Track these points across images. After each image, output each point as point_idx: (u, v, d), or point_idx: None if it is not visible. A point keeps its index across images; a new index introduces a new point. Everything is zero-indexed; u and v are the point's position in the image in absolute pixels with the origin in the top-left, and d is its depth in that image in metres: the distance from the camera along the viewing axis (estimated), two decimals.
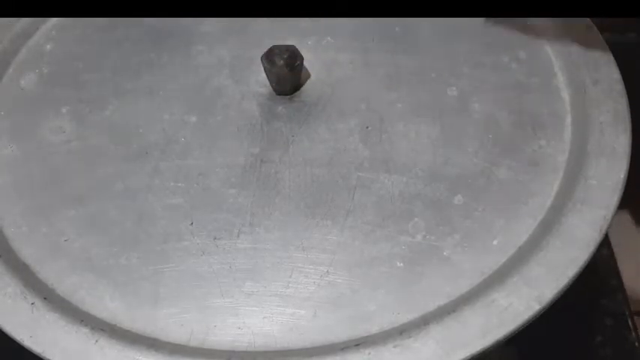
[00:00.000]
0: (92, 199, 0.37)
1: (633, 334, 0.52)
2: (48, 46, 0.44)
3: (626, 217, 0.61)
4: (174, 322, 0.33)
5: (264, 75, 0.40)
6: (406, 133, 0.39)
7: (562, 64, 0.41)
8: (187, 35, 0.44)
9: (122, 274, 0.35)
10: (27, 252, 0.36)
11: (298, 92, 0.41)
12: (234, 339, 0.33)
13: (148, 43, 0.43)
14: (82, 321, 0.33)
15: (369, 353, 0.32)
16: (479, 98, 0.40)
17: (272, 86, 0.40)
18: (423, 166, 0.38)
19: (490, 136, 0.39)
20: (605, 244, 0.55)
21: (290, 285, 0.34)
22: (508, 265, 0.34)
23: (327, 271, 0.35)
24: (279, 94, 0.41)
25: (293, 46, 0.39)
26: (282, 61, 0.39)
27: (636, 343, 0.51)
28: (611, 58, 0.41)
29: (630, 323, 0.52)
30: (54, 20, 0.45)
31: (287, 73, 0.39)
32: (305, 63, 0.40)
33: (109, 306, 0.34)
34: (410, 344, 0.32)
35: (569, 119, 0.39)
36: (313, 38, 0.43)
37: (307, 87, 0.41)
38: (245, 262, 0.35)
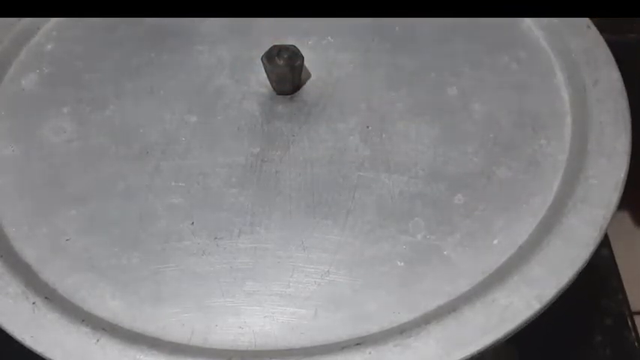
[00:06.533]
0: (93, 198, 0.37)
1: (633, 334, 0.52)
2: (49, 46, 0.44)
3: (626, 217, 0.61)
4: (175, 322, 0.33)
5: (264, 75, 0.40)
6: (406, 133, 0.39)
7: (562, 63, 0.41)
8: (188, 35, 0.44)
9: (123, 274, 0.35)
10: (28, 252, 0.36)
11: (299, 92, 0.41)
12: (235, 338, 0.33)
13: (148, 43, 0.43)
14: (83, 320, 0.33)
15: (370, 352, 0.32)
16: (479, 98, 0.40)
17: (272, 86, 0.40)
18: (423, 166, 0.38)
19: (490, 135, 0.39)
20: (605, 244, 0.55)
21: (291, 284, 0.34)
22: (508, 265, 0.34)
23: (328, 271, 0.35)
24: (280, 94, 0.41)
25: (293, 46, 0.39)
26: (282, 61, 0.39)
27: (636, 343, 0.51)
28: (611, 57, 0.41)
29: (630, 323, 0.52)
30: (54, 20, 0.45)
31: (287, 73, 0.39)
32: (305, 63, 0.40)
33: (110, 305, 0.34)
34: (410, 343, 0.32)
35: (569, 119, 0.39)
36: (314, 38, 0.43)
37: (308, 87, 0.41)
38: (246, 262, 0.35)
